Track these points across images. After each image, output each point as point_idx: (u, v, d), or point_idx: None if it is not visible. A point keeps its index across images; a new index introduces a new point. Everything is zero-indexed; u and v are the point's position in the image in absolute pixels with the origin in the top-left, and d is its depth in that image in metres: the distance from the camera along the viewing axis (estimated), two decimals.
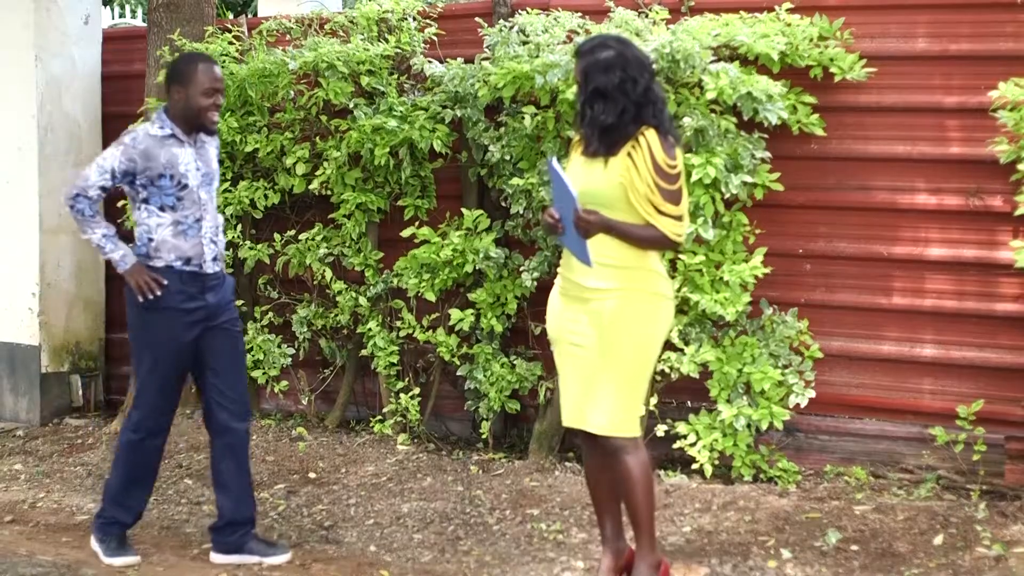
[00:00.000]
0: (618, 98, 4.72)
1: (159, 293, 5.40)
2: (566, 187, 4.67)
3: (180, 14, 8.10)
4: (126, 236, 8.01)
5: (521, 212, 6.91)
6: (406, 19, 7.55)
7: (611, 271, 4.76)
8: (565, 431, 6.98)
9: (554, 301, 5.02)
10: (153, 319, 5.45)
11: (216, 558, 5.67)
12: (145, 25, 8.76)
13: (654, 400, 6.59)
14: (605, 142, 4.78)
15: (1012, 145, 6.08)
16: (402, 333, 7.44)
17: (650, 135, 4.69)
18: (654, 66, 4.96)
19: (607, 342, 4.76)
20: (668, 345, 6.17)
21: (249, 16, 8.32)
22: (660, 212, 4.68)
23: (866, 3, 6.60)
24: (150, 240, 5.45)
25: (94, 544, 5.67)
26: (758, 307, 6.63)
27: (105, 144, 8.95)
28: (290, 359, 7.79)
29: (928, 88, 6.48)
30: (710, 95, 6.33)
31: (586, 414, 4.83)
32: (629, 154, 4.70)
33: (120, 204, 8.33)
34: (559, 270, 5.02)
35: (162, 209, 5.43)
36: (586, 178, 4.80)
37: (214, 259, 5.54)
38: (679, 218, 4.73)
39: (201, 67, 5.45)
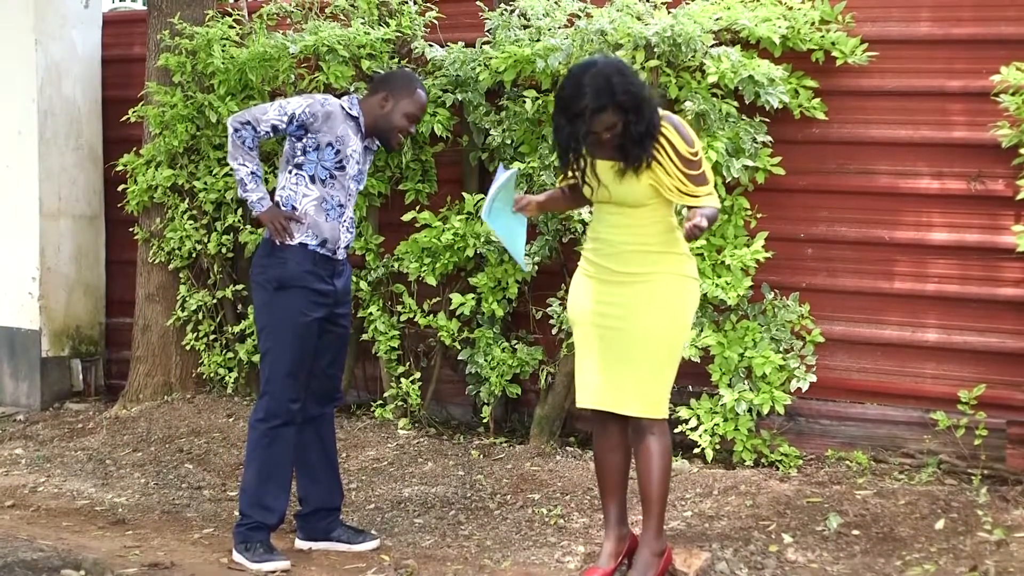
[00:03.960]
0: (644, 111, 4.69)
1: (296, 238, 5.33)
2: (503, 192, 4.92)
3: None
4: (126, 218, 7.99)
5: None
6: (407, 3, 7.52)
7: (646, 256, 4.80)
8: (566, 415, 7.00)
9: (580, 284, 5.01)
10: (284, 299, 5.33)
11: (302, 544, 5.64)
12: (145, 9, 8.75)
13: None
14: (643, 148, 4.72)
15: (1014, 129, 6.06)
16: (403, 317, 7.44)
17: (667, 129, 4.70)
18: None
19: (644, 324, 4.78)
20: None
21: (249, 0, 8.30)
22: (696, 197, 4.72)
23: None
24: (294, 209, 5.36)
25: (237, 555, 5.37)
26: (759, 291, 6.63)
27: (105, 128, 8.97)
28: None
29: (930, 72, 6.46)
30: (711, 79, 6.33)
31: (618, 396, 4.83)
32: (654, 155, 4.70)
33: (120, 189, 8.34)
34: (585, 254, 5.01)
35: (312, 180, 5.35)
36: (612, 184, 4.80)
37: (345, 246, 5.49)
38: (711, 192, 4.78)
39: (419, 92, 5.44)
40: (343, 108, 5.40)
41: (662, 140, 4.70)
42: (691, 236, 4.62)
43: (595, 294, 4.91)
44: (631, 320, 4.79)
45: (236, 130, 5.35)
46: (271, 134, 5.36)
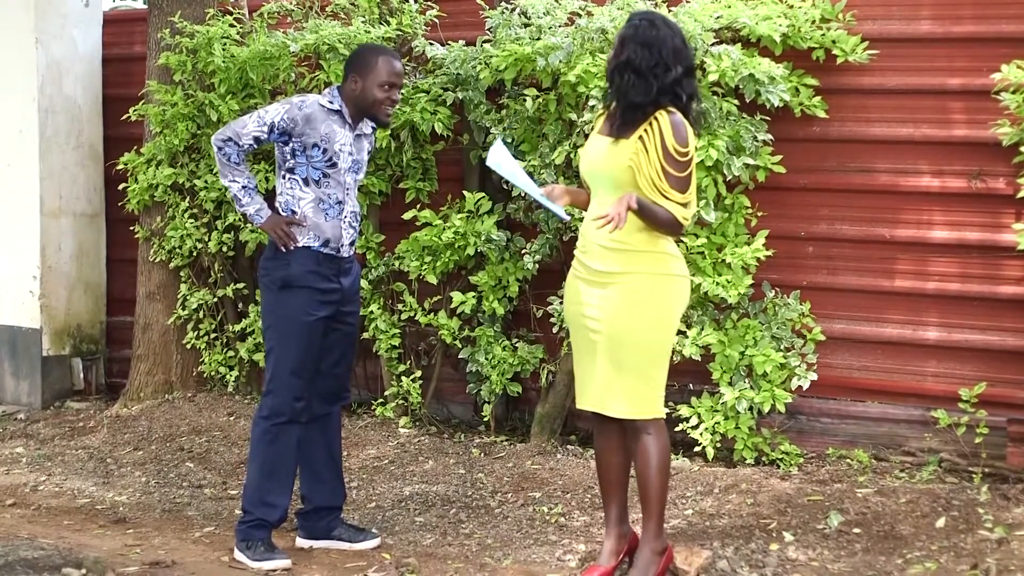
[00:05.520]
0: (648, 79, 4.71)
1: (300, 242, 5.33)
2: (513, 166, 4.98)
3: None
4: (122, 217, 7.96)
5: (523, 195, 6.89)
6: (407, 1, 7.52)
7: (622, 255, 4.76)
8: (567, 414, 7.01)
9: (570, 284, 5.01)
10: (288, 298, 5.34)
11: (303, 543, 5.64)
12: (146, 7, 8.74)
13: None
14: (622, 117, 4.78)
15: (1014, 127, 6.07)
16: (404, 316, 7.44)
17: (663, 119, 4.68)
18: (693, 61, 4.93)
19: (619, 326, 4.76)
20: None
21: None
22: (665, 197, 4.67)
23: None
24: (293, 212, 5.37)
25: (238, 553, 5.38)
26: (760, 290, 6.63)
27: (106, 127, 8.97)
28: None
29: (931, 70, 6.46)
30: (712, 77, 6.32)
31: (604, 397, 4.83)
32: (641, 137, 4.69)
33: (120, 187, 8.34)
34: (575, 253, 5.00)
35: (306, 183, 5.36)
36: (594, 156, 4.83)
37: (350, 243, 5.49)
38: (684, 205, 4.72)
39: (382, 59, 5.38)
40: (322, 105, 5.38)
41: (653, 124, 4.69)
42: (611, 222, 4.57)
43: (580, 295, 4.91)
44: (608, 323, 4.78)
45: (219, 148, 5.36)
46: (255, 146, 5.37)
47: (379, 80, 5.36)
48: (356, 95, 5.39)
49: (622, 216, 4.57)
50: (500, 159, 4.96)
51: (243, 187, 5.39)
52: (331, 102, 5.40)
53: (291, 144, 5.33)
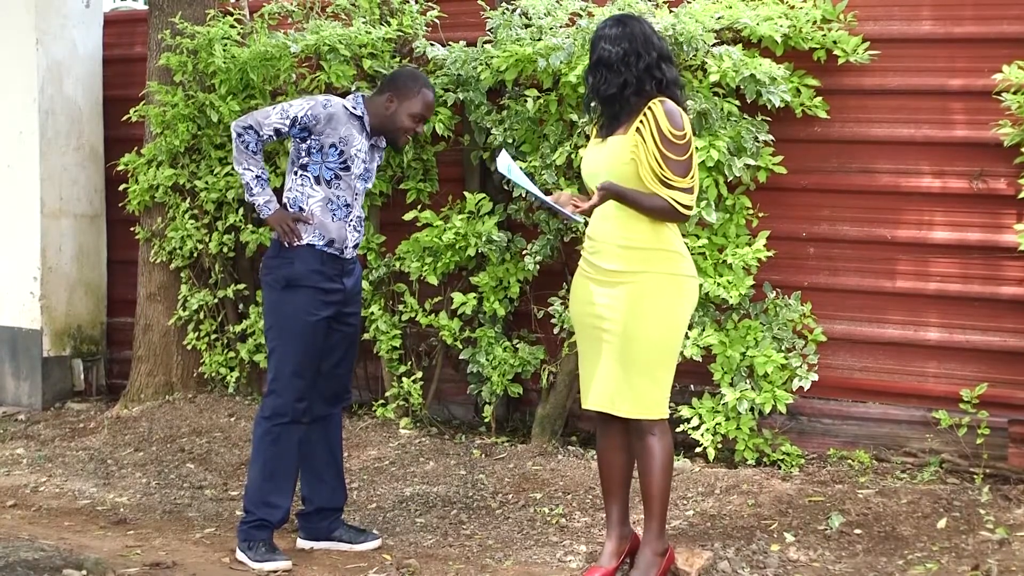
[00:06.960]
0: (620, 70, 4.76)
1: (304, 239, 5.35)
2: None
3: None
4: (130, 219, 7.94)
5: (524, 195, 6.89)
6: (408, 2, 7.52)
7: (632, 253, 4.77)
8: (568, 415, 7.00)
9: (578, 285, 5.02)
10: (291, 297, 5.35)
11: (304, 544, 5.65)
12: (146, 8, 8.75)
13: None
14: (607, 114, 4.85)
15: (1016, 128, 6.06)
16: (404, 317, 7.43)
17: (656, 107, 4.71)
18: (669, 50, 4.96)
19: (630, 325, 4.76)
20: None
21: None
22: (667, 184, 4.68)
23: None
24: (301, 210, 5.39)
25: (240, 554, 5.39)
26: (761, 290, 6.62)
27: (106, 128, 8.97)
28: None
29: (932, 71, 6.46)
30: (713, 78, 6.32)
31: (612, 397, 4.83)
32: (638, 130, 4.71)
33: (121, 188, 8.33)
34: (583, 253, 5.02)
35: (317, 181, 5.38)
36: (595, 159, 4.87)
37: (354, 246, 5.50)
38: (687, 190, 4.73)
39: (422, 92, 5.44)
40: (346, 108, 5.41)
41: (647, 114, 4.72)
42: (581, 210, 4.78)
43: (588, 295, 4.92)
44: (618, 323, 4.79)
45: (239, 135, 5.37)
46: (274, 137, 5.39)
47: (413, 110, 5.43)
48: (386, 114, 5.44)
49: (593, 203, 4.74)
50: (509, 164, 4.96)
51: (256, 176, 5.40)
52: (355, 107, 5.43)
53: (308, 141, 5.36)
